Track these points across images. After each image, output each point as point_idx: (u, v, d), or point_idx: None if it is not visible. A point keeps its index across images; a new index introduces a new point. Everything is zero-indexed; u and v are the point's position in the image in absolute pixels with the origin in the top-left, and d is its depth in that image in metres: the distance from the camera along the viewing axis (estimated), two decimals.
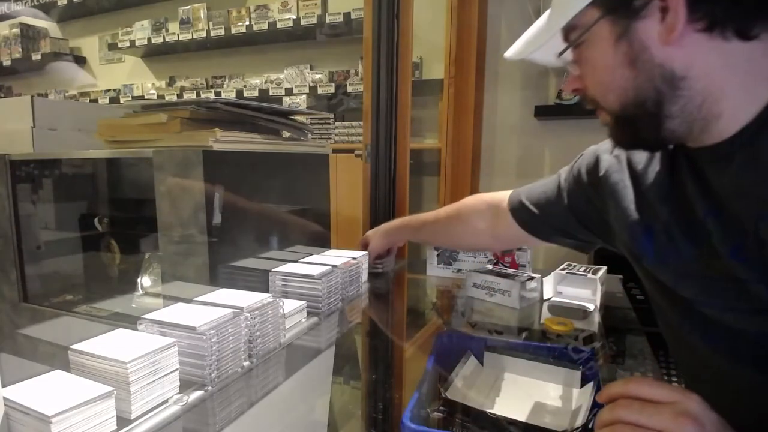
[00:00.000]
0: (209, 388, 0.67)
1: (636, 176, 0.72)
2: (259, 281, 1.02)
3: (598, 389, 0.64)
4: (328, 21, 2.84)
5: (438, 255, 1.37)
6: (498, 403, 0.70)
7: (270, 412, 0.71)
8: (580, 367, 0.71)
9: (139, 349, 0.60)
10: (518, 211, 0.97)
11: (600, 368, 0.74)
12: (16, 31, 4.01)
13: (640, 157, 0.72)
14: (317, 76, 3.11)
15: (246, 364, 0.74)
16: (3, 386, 0.53)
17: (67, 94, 4.11)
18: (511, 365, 0.77)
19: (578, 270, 1.17)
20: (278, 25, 2.98)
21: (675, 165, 0.65)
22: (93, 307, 1.19)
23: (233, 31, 3.13)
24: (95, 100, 3.92)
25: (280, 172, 1.22)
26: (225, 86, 3.41)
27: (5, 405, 0.52)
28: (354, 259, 1.15)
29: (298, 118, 1.30)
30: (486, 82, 2.69)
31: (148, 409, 0.60)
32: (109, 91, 3.89)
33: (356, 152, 2.36)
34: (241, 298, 0.79)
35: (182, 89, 3.52)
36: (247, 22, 3.10)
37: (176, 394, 0.64)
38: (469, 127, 2.37)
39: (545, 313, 1.09)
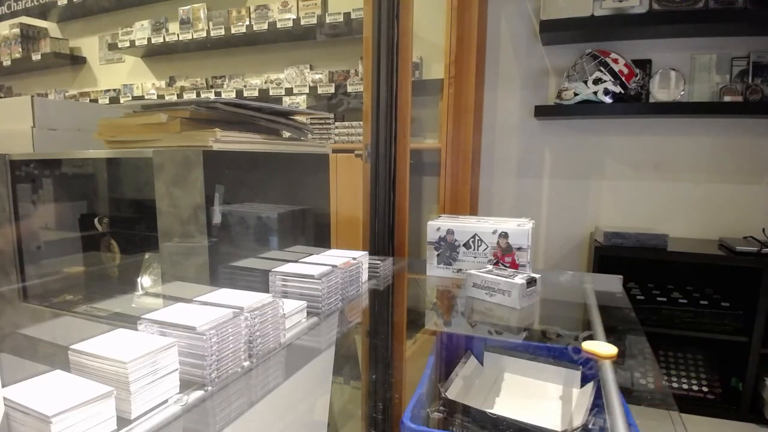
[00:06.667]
0: (209, 388, 0.67)
1: None
2: (259, 281, 1.02)
3: (598, 389, 0.64)
4: (328, 21, 2.84)
5: (438, 255, 1.37)
6: (498, 403, 0.70)
7: (270, 412, 0.71)
8: (580, 367, 0.71)
9: (139, 349, 0.60)
10: None
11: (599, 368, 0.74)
12: (16, 31, 4.01)
13: None
14: (317, 76, 3.11)
15: (246, 364, 0.74)
16: (3, 386, 0.53)
17: (67, 94, 4.11)
18: (511, 365, 0.77)
19: None
20: (278, 25, 2.98)
21: None
22: (93, 307, 1.19)
23: (233, 31, 3.13)
24: (95, 100, 3.92)
25: (280, 172, 1.22)
26: (225, 86, 3.41)
27: (5, 405, 0.52)
28: (354, 259, 1.15)
29: (298, 118, 1.30)
30: (486, 82, 2.69)
31: (148, 409, 0.60)
32: (109, 91, 3.89)
33: (356, 152, 2.36)
34: (241, 298, 0.79)
35: (182, 89, 3.52)
36: (247, 22, 3.10)
37: (176, 394, 0.64)
38: (469, 127, 2.37)
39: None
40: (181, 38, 3.30)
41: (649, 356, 0.85)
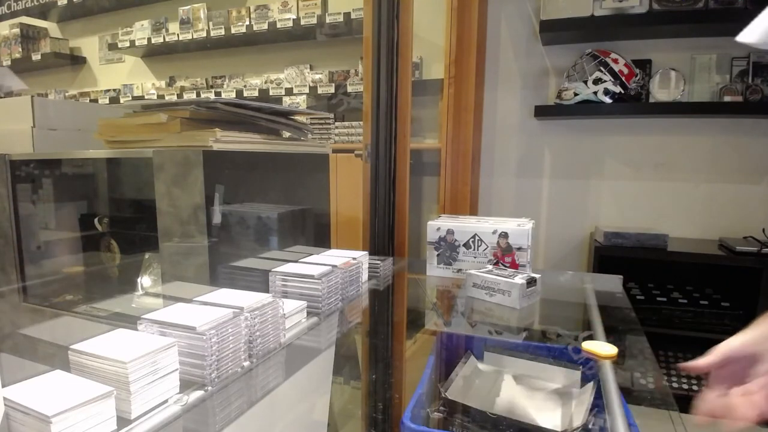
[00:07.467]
0: (209, 388, 0.67)
1: None
2: (259, 281, 1.02)
3: (598, 389, 0.64)
4: (328, 21, 2.84)
5: (438, 255, 1.37)
6: (498, 403, 0.70)
7: (270, 412, 0.71)
8: (580, 367, 0.71)
9: (139, 349, 0.60)
10: None
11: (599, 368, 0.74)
12: (16, 31, 4.01)
13: None
14: (317, 76, 3.11)
15: (246, 364, 0.74)
16: (3, 386, 0.53)
17: (67, 94, 4.11)
18: (511, 365, 0.77)
19: None
20: (278, 25, 2.98)
21: None
22: (93, 307, 1.19)
23: (233, 31, 3.13)
24: (95, 100, 3.92)
25: (280, 172, 1.22)
26: (225, 86, 3.41)
27: (5, 405, 0.52)
28: (354, 259, 1.15)
29: (298, 118, 1.30)
30: (486, 82, 2.69)
31: (148, 409, 0.60)
32: (109, 91, 3.89)
33: (356, 152, 2.36)
34: (241, 298, 0.79)
35: (182, 89, 3.52)
36: (247, 22, 3.10)
37: (176, 394, 0.64)
38: (469, 127, 2.37)
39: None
40: (181, 38, 3.30)
41: (649, 356, 0.85)
